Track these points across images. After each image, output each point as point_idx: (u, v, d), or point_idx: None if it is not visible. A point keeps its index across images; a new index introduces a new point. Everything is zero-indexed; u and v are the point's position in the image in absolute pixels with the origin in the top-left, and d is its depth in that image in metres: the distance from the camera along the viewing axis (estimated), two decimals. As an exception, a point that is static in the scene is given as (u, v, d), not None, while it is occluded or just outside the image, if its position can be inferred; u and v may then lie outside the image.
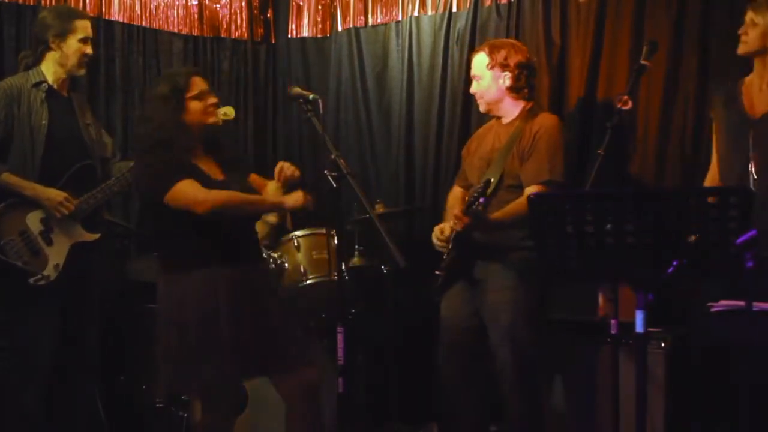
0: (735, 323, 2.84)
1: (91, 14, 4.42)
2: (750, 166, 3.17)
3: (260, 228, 4.07)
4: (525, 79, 3.64)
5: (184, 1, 5.05)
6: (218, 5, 5.21)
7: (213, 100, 3.13)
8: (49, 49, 3.65)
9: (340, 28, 5.13)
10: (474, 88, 3.73)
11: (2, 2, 4.34)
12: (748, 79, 3.31)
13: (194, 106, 3.08)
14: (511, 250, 3.50)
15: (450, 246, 3.57)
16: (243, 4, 5.26)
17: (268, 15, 5.41)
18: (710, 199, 2.26)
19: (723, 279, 2.94)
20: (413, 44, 4.81)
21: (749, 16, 3.23)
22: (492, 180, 3.47)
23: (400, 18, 4.90)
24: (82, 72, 3.75)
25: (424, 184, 4.75)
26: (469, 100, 3.91)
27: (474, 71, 3.72)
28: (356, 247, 4.33)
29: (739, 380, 3.01)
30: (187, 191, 2.96)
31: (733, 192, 2.35)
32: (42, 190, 3.55)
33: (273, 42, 5.41)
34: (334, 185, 2.96)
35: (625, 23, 4.07)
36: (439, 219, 3.84)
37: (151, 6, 4.92)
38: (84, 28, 3.70)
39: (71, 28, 3.65)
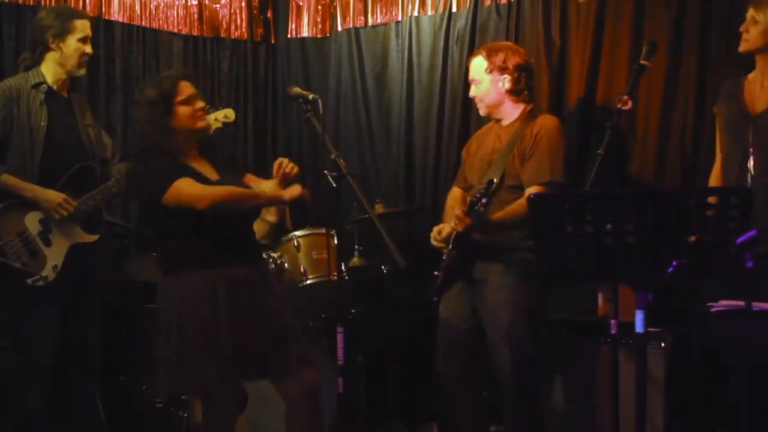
0: (735, 323, 2.84)
1: (91, 14, 4.42)
2: (749, 162, 3.18)
3: (259, 227, 4.08)
4: (524, 81, 3.63)
5: (184, 1, 5.05)
6: (218, 5, 5.21)
7: (201, 104, 3.14)
8: (48, 49, 3.64)
9: (339, 28, 5.13)
10: (473, 92, 3.72)
11: (2, 2, 4.34)
12: (750, 76, 3.32)
13: (182, 110, 3.08)
14: (510, 250, 3.50)
15: (449, 246, 3.57)
16: (243, 4, 5.26)
17: (268, 15, 5.41)
18: (710, 199, 2.26)
19: (723, 279, 2.94)
20: (413, 44, 4.81)
21: (750, 13, 3.23)
22: (495, 180, 3.47)
23: (399, 18, 4.90)
24: (83, 72, 3.74)
25: (424, 184, 4.75)
26: (469, 100, 3.90)
27: (472, 75, 3.71)
28: (356, 247, 4.33)
29: (739, 380, 3.01)
30: (187, 188, 2.98)
31: (733, 192, 2.36)
32: (41, 191, 3.55)
33: (273, 42, 5.41)
34: (334, 185, 2.97)
35: (625, 23, 4.07)
36: (438, 219, 3.84)
37: (151, 6, 4.92)
38: (83, 27, 3.69)
39: (70, 28, 3.64)
